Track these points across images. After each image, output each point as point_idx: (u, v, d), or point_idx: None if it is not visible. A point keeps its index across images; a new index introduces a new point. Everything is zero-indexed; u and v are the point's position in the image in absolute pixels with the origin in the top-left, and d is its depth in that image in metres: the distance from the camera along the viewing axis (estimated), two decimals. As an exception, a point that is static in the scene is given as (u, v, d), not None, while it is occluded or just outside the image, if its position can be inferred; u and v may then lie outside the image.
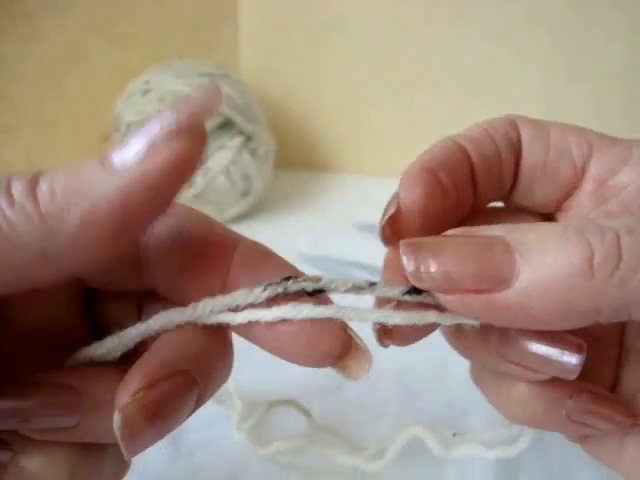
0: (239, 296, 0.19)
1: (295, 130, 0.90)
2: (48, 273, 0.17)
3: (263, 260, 0.21)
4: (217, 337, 0.20)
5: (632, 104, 0.74)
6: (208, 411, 0.40)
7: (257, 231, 0.69)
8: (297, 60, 0.88)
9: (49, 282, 0.18)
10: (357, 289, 0.20)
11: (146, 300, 0.23)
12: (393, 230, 0.22)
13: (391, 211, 0.22)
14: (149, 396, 0.18)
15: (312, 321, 0.19)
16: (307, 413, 0.37)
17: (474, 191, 0.24)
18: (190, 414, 0.19)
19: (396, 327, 0.20)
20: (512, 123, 0.24)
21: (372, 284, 0.20)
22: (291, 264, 0.21)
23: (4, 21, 0.64)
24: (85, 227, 0.17)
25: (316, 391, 0.42)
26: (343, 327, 0.20)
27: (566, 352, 0.20)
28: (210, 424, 0.40)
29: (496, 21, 0.77)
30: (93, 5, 0.73)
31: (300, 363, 0.20)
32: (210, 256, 0.20)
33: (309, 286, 0.19)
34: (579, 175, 0.23)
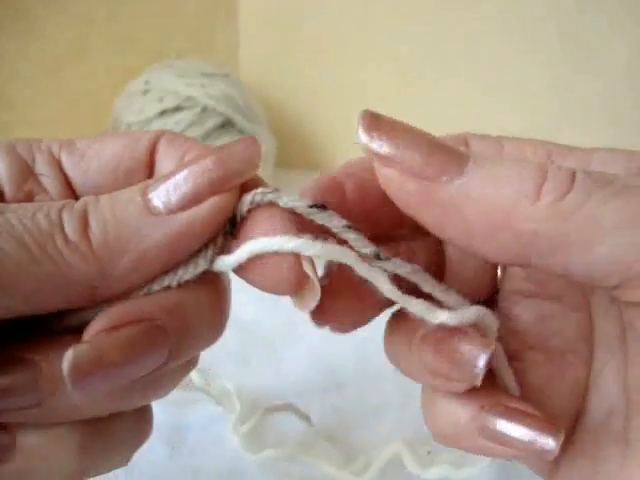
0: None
1: (295, 130, 0.90)
2: (88, 300, 0.18)
3: (186, 143, 0.22)
4: (203, 289, 0.20)
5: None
6: (208, 411, 0.40)
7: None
8: (297, 60, 0.88)
9: (82, 304, 0.19)
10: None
11: None
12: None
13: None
14: (105, 339, 0.17)
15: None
16: (306, 417, 0.37)
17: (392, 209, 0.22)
18: (159, 370, 0.18)
19: (331, 307, 0.20)
20: (462, 138, 0.23)
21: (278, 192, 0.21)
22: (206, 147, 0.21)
23: (3, 20, 0.64)
24: (135, 269, 0.18)
25: (316, 391, 0.42)
26: (297, 261, 0.19)
27: (473, 350, 0.19)
28: (210, 424, 0.40)
29: (502, 15, 0.77)
30: (93, 5, 0.73)
31: (258, 287, 0.20)
32: (140, 152, 0.21)
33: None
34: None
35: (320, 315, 0.21)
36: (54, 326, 0.20)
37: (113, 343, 0.17)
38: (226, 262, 0.20)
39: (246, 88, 0.72)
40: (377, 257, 0.20)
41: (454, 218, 0.18)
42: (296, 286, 0.20)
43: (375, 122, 0.19)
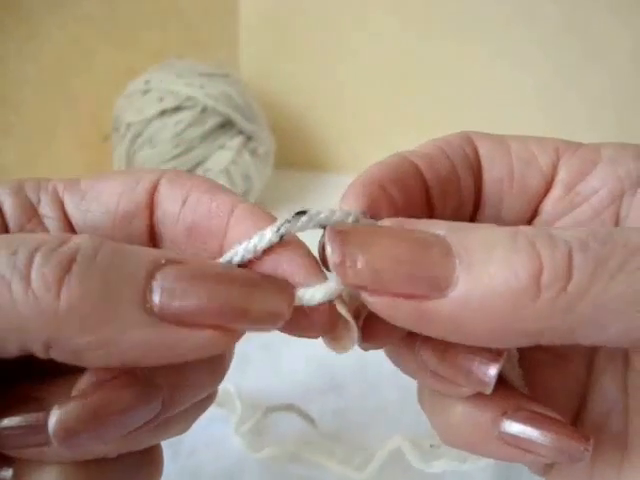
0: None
1: (295, 130, 0.90)
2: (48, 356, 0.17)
3: (190, 182, 0.20)
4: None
5: None
6: (208, 412, 0.40)
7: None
8: (297, 60, 0.88)
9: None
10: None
11: None
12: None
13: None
14: (92, 396, 0.16)
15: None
16: (308, 417, 0.37)
17: (430, 212, 0.22)
18: (153, 421, 0.17)
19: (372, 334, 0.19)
20: (467, 139, 0.22)
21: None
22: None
23: (4, 21, 0.64)
24: (100, 354, 0.16)
25: (316, 392, 0.42)
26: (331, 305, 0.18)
27: (482, 361, 0.18)
28: (210, 424, 0.40)
29: (503, 7, 0.77)
30: (93, 5, 0.73)
31: (285, 331, 0.19)
32: (210, 222, 0.20)
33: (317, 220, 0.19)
34: (548, 182, 0.22)
35: (366, 339, 0.20)
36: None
37: (101, 399, 0.16)
38: None
39: (246, 88, 0.72)
40: None
41: (455, 331, 0.17)
42: (329, 330, 0.19)
43: (342, 245, 0.17)
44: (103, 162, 0.74)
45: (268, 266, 0.19)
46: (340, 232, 0.17)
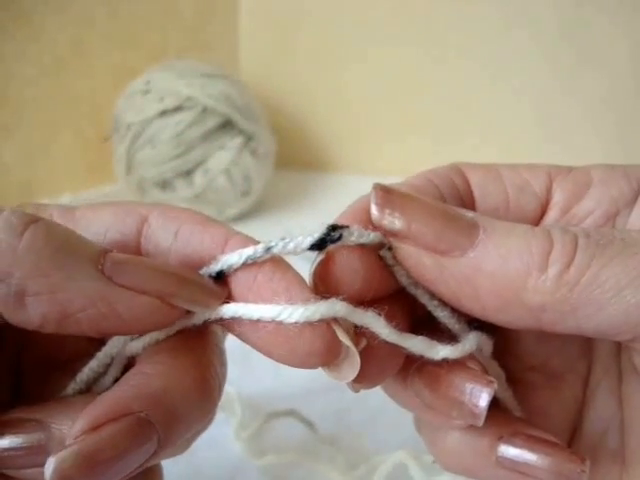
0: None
1: (295, 130, 0.90)
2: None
3: (182, 215, 0.21)
4: (187, 372, 0.19)
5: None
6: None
7: (257, 231, 0.69)
8: (297, 60, 0.88)
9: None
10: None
11: None
12: (321, 280, 0.20)
13: (320, 257, 0.20)
14: (88, 441, 0.16)
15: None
16: (308, 423, 0.37)
17: None
18: (150, 461, 0.17)
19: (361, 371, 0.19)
20: (457, 170, 0.23)
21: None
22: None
23: (5, 21, 0.64)
24: (48, 301, 0.17)
25: (318, 392, 0.42)
26: (328, 326, 0.18)
27: (474, 391, 0.19)
28: (210, 425, 0.40)
29: (502, 13, 0.77)
30: (93, 5, 0.73)
31: (284, 362, 0.19)
32: (203, 254, 0.20)
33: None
34: (544, 206, 0.22)
35: (359, 380, 0.19)
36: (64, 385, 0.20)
37: (97, 444, 0.16)
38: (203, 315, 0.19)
39: (246, 88, 0.72)
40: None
41: (467, 291, 0.18)
42: (328, 358, 0.18)
43: (387, 197, 0.19)
44: (103, 162, 0.74)
45: (244, 278, 0.19)
46: (385, 186, 0.19)
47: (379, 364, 0.20)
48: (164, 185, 0.67)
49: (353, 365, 0.18)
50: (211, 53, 0.87)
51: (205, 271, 0.19)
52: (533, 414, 0.22)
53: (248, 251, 0.19)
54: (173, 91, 0.66)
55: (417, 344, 0.19)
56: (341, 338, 0.18)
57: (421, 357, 0.20)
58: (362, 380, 0.19)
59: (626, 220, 0.21)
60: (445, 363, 0.19)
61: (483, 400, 0.19)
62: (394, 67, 0.83)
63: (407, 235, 0.19)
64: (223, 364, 0.21)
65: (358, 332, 0.19)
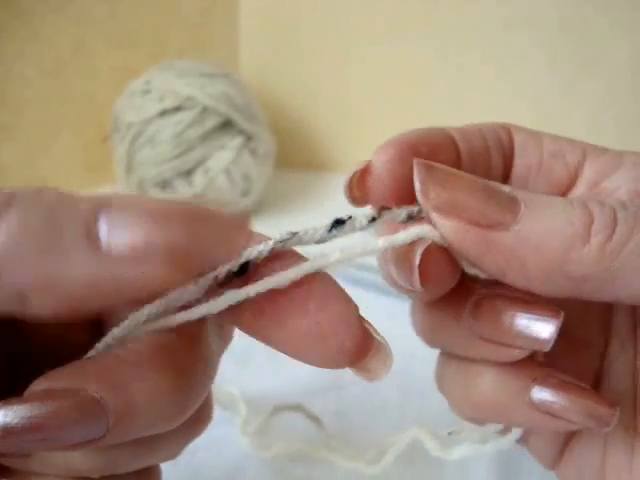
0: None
1: (295, 130, 0.90)
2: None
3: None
4: (163, 372, 0.17)
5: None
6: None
7: (257, 230, 0.69)
8: (297, 60, 0.88)
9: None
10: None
11: None
12: (360, 188, 0.21)
13: (360, 167, 0.21)
14: (37, 405, 0.15)
15: (321, 316, 0.17)
16: (314, 418, 0.37)
17: None
18: (98, 441, 0.16)
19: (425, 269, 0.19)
20: (505, 128, 0.24)
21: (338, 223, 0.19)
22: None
23: (4, 21, 0.64)
24: (36, 289, 0.16)
25: (317, 391, 0.42)
26: (358, 320, 0.17)
27: (541, 318, 0.20)
28: (211, 424, 0.40)
29: (501, 12, 0.77)
30: (93, 5, 0.73)
31: (312, 363, 0.18)
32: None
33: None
34: (573, 177, 0.23)
35: (422, 282, 0.20)
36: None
37: (44, 410, 0.15)
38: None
39: (246, 88, 0.72)
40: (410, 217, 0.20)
41: (513, 264, 0.19)
42: (360, 356, 0.18)
43: (429, 174, 0.19)
44: (103, 162, 0.74)
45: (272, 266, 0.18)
46: (428, 162, 0.19)
47: (441, 267, 0.20)
48: (164, 185, 0.67)
49: (385, 362, 0.18)
50: (211, 53, 0.87)
51: (225, 268, 0.17)
52: None
53: (275, 237, 0.18)
54: (173, 91, 0.66)
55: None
56: (374, 334, 0.18)
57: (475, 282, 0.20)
58: (426, 281, 0.19)
59: None
60: (508, 295, 0.20)
61: (553, 325, 0.19)
62: (395, 67, 0.83)
63: (452, 211, 0.19)
64: (209, 377, 0.19)
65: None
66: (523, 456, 0.38)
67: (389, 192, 0.21)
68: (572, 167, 0.23)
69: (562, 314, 0.20)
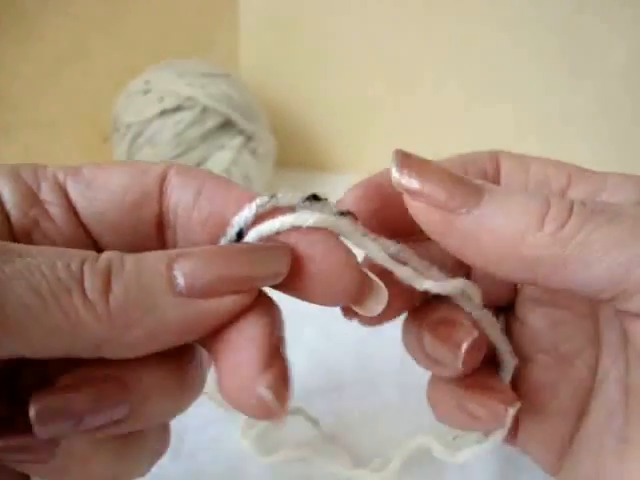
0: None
1: (295, 130, 0.90)
2: (91, 354, 0.19)
3: (200, 175, 0.22)
4: (168, 367, 0.20)
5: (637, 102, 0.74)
6: (209, 412, 0.40)
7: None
8: (297, 60, 0.88)
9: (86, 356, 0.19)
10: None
11: None
12: None
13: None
14: (70, 393, 0.18)
15: (326, 263, 0.20)
16: (314, 421, 0.37)
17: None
18: (121, 424, 0.19)
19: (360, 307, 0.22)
20: (493, 157, 0.25)
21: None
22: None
23: (3, 20, 0.64)
24: (143, 342, 0.19)
25: (317, 392, 0.42)
26: (357, 266, 0.20)
27: (459, 337, 0.23)
28: (211, 425, 0.40)
29: (498, 19, 0.77)
30: (92, 4, 0.73)
31: (319, 302, 0.21)
32: (227, 213, 0.21)
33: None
34: None
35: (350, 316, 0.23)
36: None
37: (77, 397, 0.18)
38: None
39: (246, 88, 0.72)
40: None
41: (472, 245, 0.21)
42: (360, 295, 0.21)
43: (406, 160, 0.22)
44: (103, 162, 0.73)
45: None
46: (405, 151, 0.22)
47: (398, 299, 0.23)
48: (164, 185, 0.67)
49: (380, 300, 0.21)
50: (211, 53, 0.87)
51: (224, 240, 0.21)
52: (542, 392, 0.25)
53: (257, 202, 0.21)
54: (173, 91, 0.66)
55: (405, 272, 0.22)
56: (372, 277, 0.21)
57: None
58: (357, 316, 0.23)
59: None
60: (444, 319, 0.23)
61: (464, 345, 0.22)
62: (395, 67, 0.83)
63: (421, 194, 0.21)
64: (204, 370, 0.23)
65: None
66: (524, 457, 0.38)
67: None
68: (557, 193, 0.24)
69: (476, 333, 0.23)
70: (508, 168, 0.25)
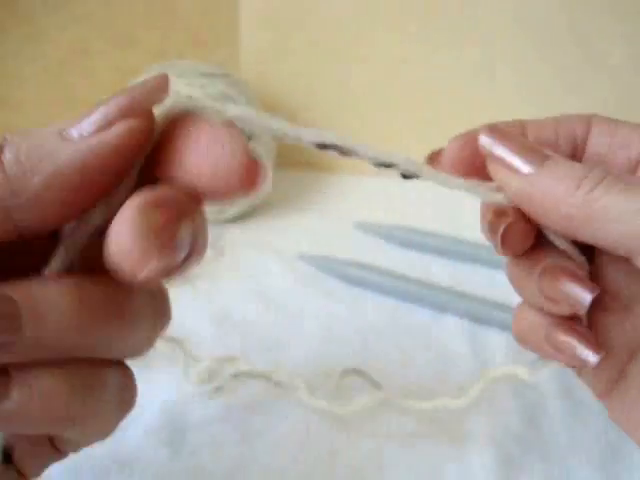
0: None
1: (295, 130, 0.90)
2: (8, 229, 0.20)
3: None
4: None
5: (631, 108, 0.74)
6: (209, 411, 0.40)
7: (257, 231, 0.69)
8: (297, 60, 0.88)
9: (7, 237, 0.20)
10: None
11: None
12: (432, 161, 0.29)
13: (435, 149, 0.29)
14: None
15: (214, 151, 0.21)
16: (377, 384, 0.37)
17: None
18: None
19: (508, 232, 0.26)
20: (585, 120, 0.28)
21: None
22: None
23: (4, 21, 0.64)
24: (47, 189, 0.19)
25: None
26: (247, 151, 0.21)
27: (583, 288, 0.25)
28: (211, 424, 0.40)
29: (492, 26, 0.77)
30: (93, 5, 0.73)
31: (215, 194, 0.21)
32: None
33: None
34: (632, 168, 0.27)
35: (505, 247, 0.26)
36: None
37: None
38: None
39: (246, 88, 0.72)
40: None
41: (528, 203, 0.25)
42: (253, 181, 0.21)
43: (491, 131, 0.26)
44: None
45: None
46: (492, 124, 0.27)
47: (519, 238, 0.26)
48: (164, 185, 0.67)
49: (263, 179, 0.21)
50: (211, 53, 0.87)
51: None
52: (604, 329, 0.27)
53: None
54: (173, 91, 0.66)
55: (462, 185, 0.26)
56: (258, 159, 0.21)
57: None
58: (505, 246, 0.26)
59: None
60: (566, 267, 0.26)
61: (589, 295, 0.25)
62: (395, 67, 0.83)
63: (498, 158, 0.25)
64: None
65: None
66: (524, 457, 0.38)
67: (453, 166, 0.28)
68: (633, 157, 0.27)
69: (598, 290, 0.25)
70: (597, 132, 0.28)
